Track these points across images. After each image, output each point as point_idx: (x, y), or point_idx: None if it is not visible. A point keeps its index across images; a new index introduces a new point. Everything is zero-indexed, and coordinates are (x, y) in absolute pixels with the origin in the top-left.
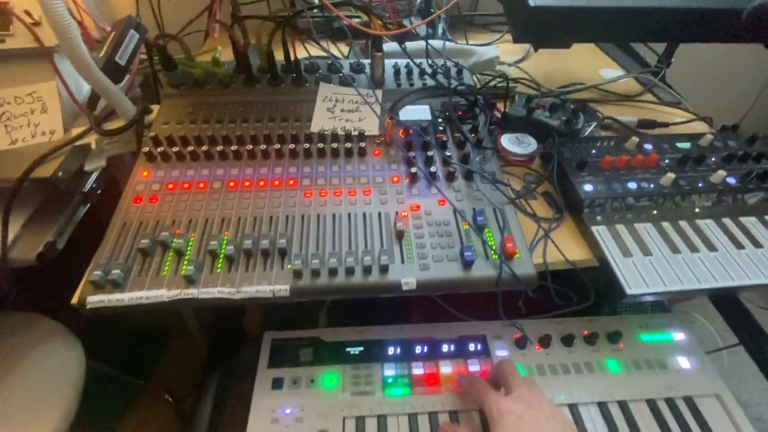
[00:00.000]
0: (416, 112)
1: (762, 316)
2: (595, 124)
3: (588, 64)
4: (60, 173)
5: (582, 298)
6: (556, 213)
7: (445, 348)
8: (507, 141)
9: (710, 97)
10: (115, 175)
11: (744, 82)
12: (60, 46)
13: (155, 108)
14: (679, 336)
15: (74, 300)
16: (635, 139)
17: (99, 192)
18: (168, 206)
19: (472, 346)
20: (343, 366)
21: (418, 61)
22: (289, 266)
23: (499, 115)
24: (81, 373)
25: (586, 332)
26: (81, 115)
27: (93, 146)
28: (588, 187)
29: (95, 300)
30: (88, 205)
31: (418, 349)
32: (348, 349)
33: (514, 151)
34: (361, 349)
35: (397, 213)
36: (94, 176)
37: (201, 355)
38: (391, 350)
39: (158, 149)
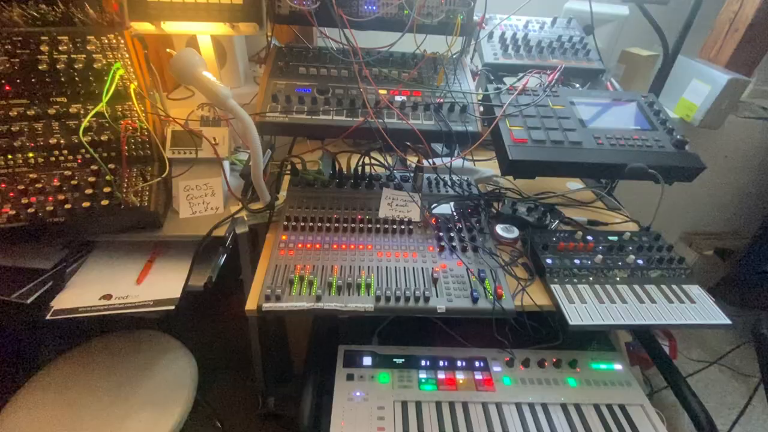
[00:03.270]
0: (442, 209)
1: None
2: (558, 221)
3: (559, 178)
4: (227, 234)
5: (552, 338)
6: (529, 275)
7: (459, 363)
8: (500, 229)
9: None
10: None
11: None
12: (251, 159)
13: (281, 196)
14: (618, 367)
15: (250, 307)
16: (581, 233)
17: (231, 246)
18: (300, 256)
19: (477, 364)
20: (391, 369)
21: (442, 176)
22: (373, 293)
23: (494, 211)
24: (195, 379)
25: (554, 359)
26: (230, 197)
27: (245, 218)
28: (549, 260)
29: (267, 306)
30: (226, 254)
31: (441, 363)
32: (395, 360)
33: (504, 236)
34: (403, 360)
35: (432, 268)
36: (231, 235)
37: (253, 390)
38: (423, 362)
39: (291, 223)
